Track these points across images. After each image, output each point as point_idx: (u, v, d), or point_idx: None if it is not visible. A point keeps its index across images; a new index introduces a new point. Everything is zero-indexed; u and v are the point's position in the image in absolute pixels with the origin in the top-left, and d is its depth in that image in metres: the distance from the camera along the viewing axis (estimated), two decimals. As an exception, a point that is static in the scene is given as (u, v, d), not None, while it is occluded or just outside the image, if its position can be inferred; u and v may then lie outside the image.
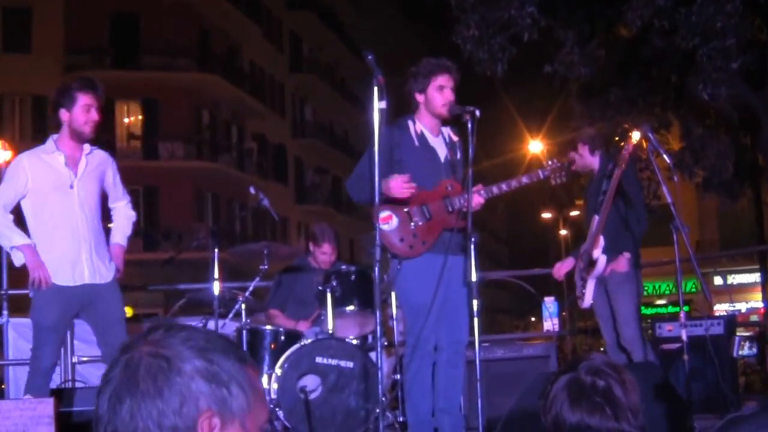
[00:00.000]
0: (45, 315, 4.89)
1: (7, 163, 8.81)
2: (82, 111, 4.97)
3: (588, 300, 5.91)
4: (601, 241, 5.77)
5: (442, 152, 5.10)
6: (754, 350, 8.07)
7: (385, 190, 4.76)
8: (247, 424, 1.36)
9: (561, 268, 6.21)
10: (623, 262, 5.80)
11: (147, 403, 1.29)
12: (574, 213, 41.67)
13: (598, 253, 5.79)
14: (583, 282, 5.92)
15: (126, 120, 29.53)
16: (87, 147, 5.09)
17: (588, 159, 6.09)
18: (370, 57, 4.42)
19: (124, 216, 5.32)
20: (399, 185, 4.79)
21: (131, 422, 1.29)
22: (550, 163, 5.25)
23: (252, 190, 6.36)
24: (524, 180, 5.14)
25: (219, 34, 31.70)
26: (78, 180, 4.99)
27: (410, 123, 5.09)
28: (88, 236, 4.96)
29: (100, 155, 5.20)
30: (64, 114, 5.00)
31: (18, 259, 4.93)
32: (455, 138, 5.14)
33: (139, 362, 1.32)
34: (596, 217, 5.82)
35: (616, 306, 5.87)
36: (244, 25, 32.99)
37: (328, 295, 5.94)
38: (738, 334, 7.12)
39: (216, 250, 6.12)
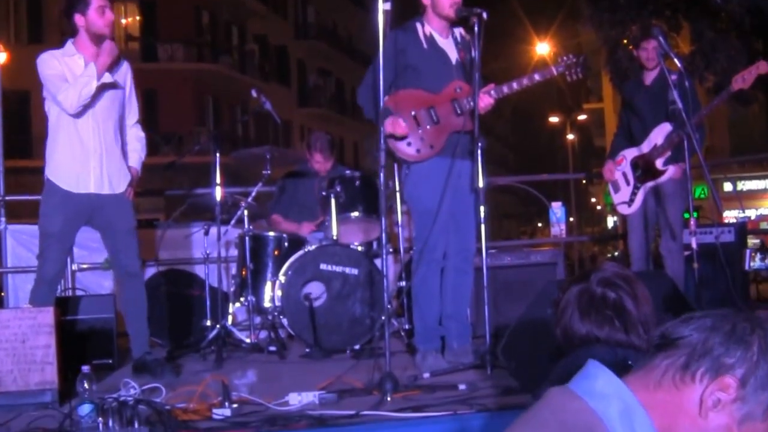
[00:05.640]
0: (50, 222, 4.81)
1: (2, 66, 8.59)
2: (98, 14, 4.81)
3: (636, 206, 5.99)
4: (668, 151, 5.83)
5: (452, 54, 4.93)
6: (766, 262, 7.99)
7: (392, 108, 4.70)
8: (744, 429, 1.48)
9: (613, 171, 6.18)
10: (679, 171, 5.81)
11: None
12: (582, 117, 41.45)
13: (661, 163, 5.88)
14: (633, 189, 5.99)
15: (123, 21, 28.99)
16: None
17: (651, 50, 5.93)
18: (373, -44, 4.21)
19: (136, 138, 5.17)
20: (393, 125, 4.70)
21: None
22: (564, 58, 5.01)
23: (254, 93, 6.18)
24: (536, 77, 4.94)
25: (217, -68, 30.88)
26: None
27: (418, 26, 4.92)
28: (99, 145, 4.84)
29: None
30: (79, 19, 4.83)
31: (90, 75, 4.73)
32: (467, 37, 4.94)
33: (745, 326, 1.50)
34: (665, 125, 5.83)
35: (667, 213, 5.94)
36: None
37: (332, 201, 5.84)
38: (749, 245, 7.04)
39: (218, 154, 5.99)
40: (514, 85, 4.92)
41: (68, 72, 4.77)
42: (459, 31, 5.00)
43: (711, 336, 1.48)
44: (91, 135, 4.82)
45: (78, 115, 4.77)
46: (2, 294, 7.01)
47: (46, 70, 4.78)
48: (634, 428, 1.44)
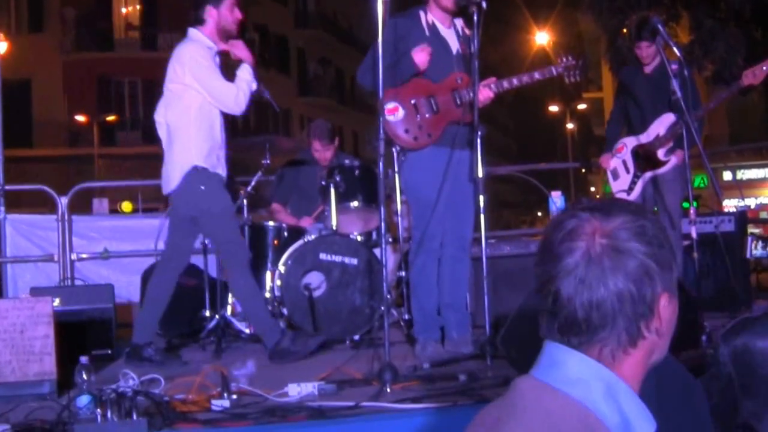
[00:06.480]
0: (220, 200, 4.92)
1: (3, 55, 8.58)
2: (229, 10, 4.99)
3: (636, 194, 6.03)
4: (671, 142, 5.85)
5: (453, 44, 4.95)
6: (768, 250, 7.96)
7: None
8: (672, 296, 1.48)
9: (611, 161, 6.23)
10: (680, 158, 5.80)
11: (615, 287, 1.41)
12: (582, 106, 41.40)
13: (663, 153, 5.90)
14: (633, 177, 6.02)
15: (124, 10, 28.90)
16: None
17: (653, 48, 5.92)
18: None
19: None
20: (420, 55, 4.74)
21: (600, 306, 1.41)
22: (564, 60, 5.08)
23: (253, 82, 6.16)
24: (536, 75, 5.02)
25: None
26: None
27: (421, 14, 4.94)
28: (223, 139, 5.01)
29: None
30: (211, 11, 4.98)
31: (249, 80, 5.02)
32: (468, 31, 4.96)
33: (602, 256, 1.41)
34: (668, 116, 5.83)
35: (666, 201, 5.95)
36: None
37: (332, 191, 5.82)
38: (750, 233, 7.02)
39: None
40: (515, 81, 4.98)
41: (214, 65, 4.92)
42: (460, 25, 5.02)
43: (618, 302, 1.41)
44: (221, 129, 5.00)
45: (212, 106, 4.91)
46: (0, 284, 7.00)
47: (202, 61, 4.88)
48: (620, 403, 1.39)
